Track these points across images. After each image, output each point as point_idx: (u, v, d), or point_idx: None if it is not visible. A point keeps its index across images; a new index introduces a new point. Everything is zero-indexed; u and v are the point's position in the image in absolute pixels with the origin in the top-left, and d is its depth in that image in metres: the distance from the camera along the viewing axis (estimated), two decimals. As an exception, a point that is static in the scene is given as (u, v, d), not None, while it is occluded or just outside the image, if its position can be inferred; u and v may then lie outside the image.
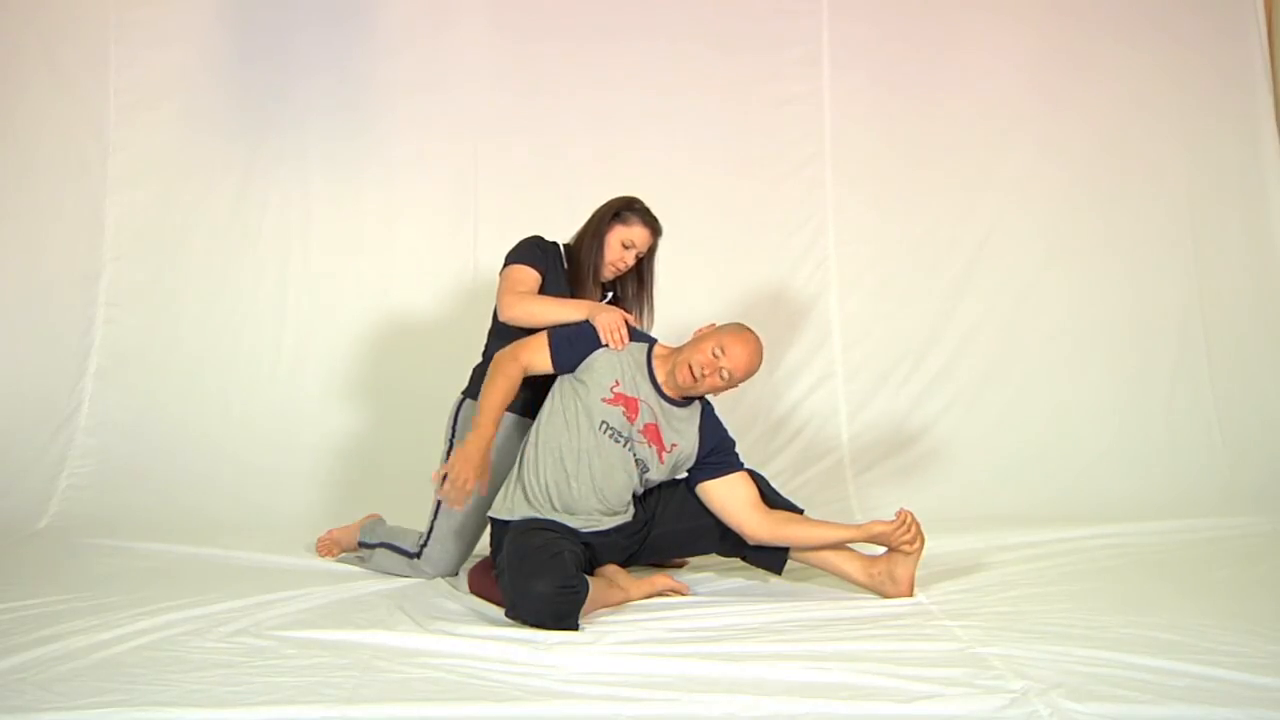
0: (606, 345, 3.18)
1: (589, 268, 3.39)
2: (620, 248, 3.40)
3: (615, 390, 3.15)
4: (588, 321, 3.22)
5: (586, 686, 2.45)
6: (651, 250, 3.49)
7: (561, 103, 4.56)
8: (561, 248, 3.46)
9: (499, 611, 2.98)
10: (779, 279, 4.59)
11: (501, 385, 3.15)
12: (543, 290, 3.35)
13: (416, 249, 4.51)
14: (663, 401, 3.19)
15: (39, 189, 4.42)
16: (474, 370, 3.47)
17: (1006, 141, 4.64)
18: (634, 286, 3.52)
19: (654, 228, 3.45)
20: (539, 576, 2.85)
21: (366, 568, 3.45)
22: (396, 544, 3.41)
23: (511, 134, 4.51)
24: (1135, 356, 4.57)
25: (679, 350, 3.20)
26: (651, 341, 3.27)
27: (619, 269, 3.42)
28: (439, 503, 3.34)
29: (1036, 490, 4.28)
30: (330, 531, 3.65)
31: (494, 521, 3.22)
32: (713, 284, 4.53)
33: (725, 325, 3.22)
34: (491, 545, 3.24)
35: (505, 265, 3.39)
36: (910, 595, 3.14)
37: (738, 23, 4.62)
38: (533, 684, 2.46)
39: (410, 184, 4.51)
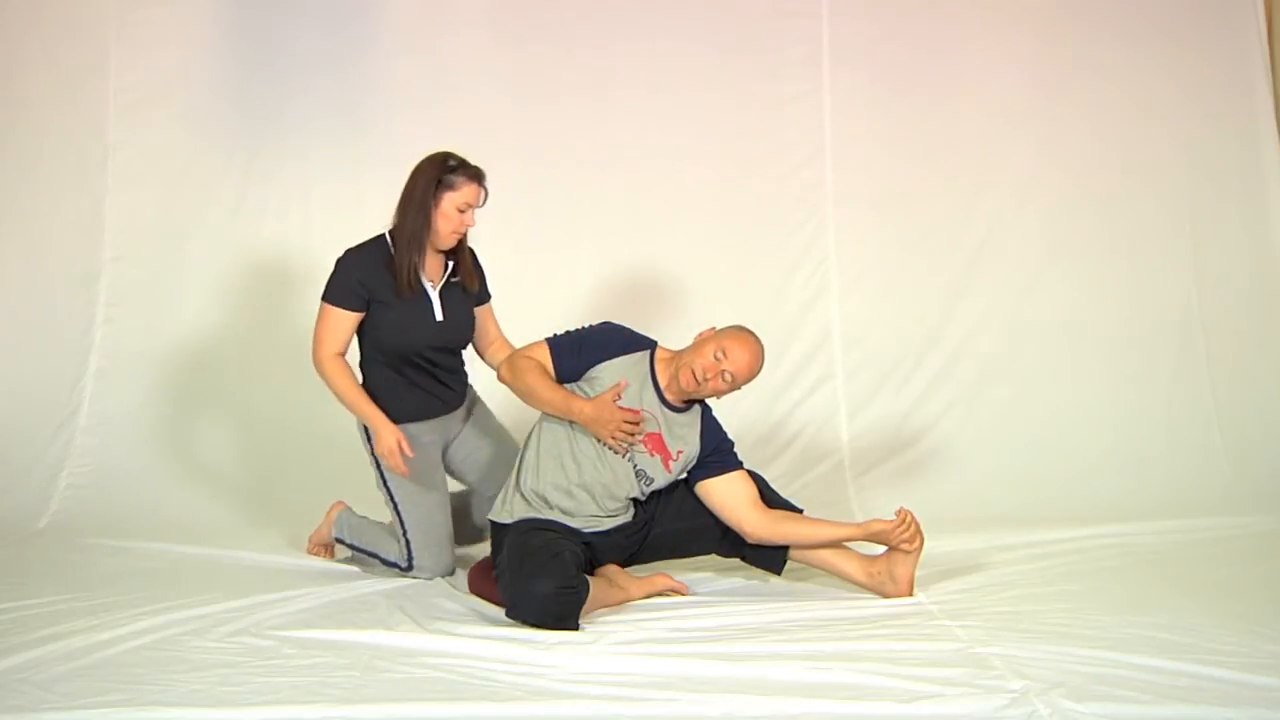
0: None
1: (418, 244, 3.24)
2: (457, 214, 3.23)
3: (618, 404, 3.14)
4: (590, 330, 3.22)
5: (586, 686, 2.45)
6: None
7: (561, 104, 4.56)
8: (388, 237, 3.31)
9: (499, 611, 2.98)
10: (779, 279, 4.58)
11: (539, 377, 3.12)
12: (373, 296, 3.25)
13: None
14: (665, 409, 3.18)
15: (40, 189, 4.42)
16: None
17: (1006, 141, 4.63)
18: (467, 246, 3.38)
19: (479, 180, 3.27)
20: (539, 577, 2.86)
21: (369, 573, 3.46)
22: (383, 556, 3.41)
23: (512, 135, 4.50)
24: (1135, 356, 4.57)
25: (680, 354, 3.19)
26: (652, 346, 3.26)
27: (460, 233, 3.28)
28: (402, 521, 3.35)
29: (1036, 490, 4.27)
30: (314, 534, 3.64)
31: (493, 524, 3.22)
32: (712, 284, 4.53)
33: (726, 328, 3.20)
34: (492, 546, 3.24)
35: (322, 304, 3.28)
36: (910, 595, 3.14)
37: (738, 23, 4.62)
38: (533, 684, 2.46)
39: (410, 184, 4.50)
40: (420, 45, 4.55)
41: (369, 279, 3.27)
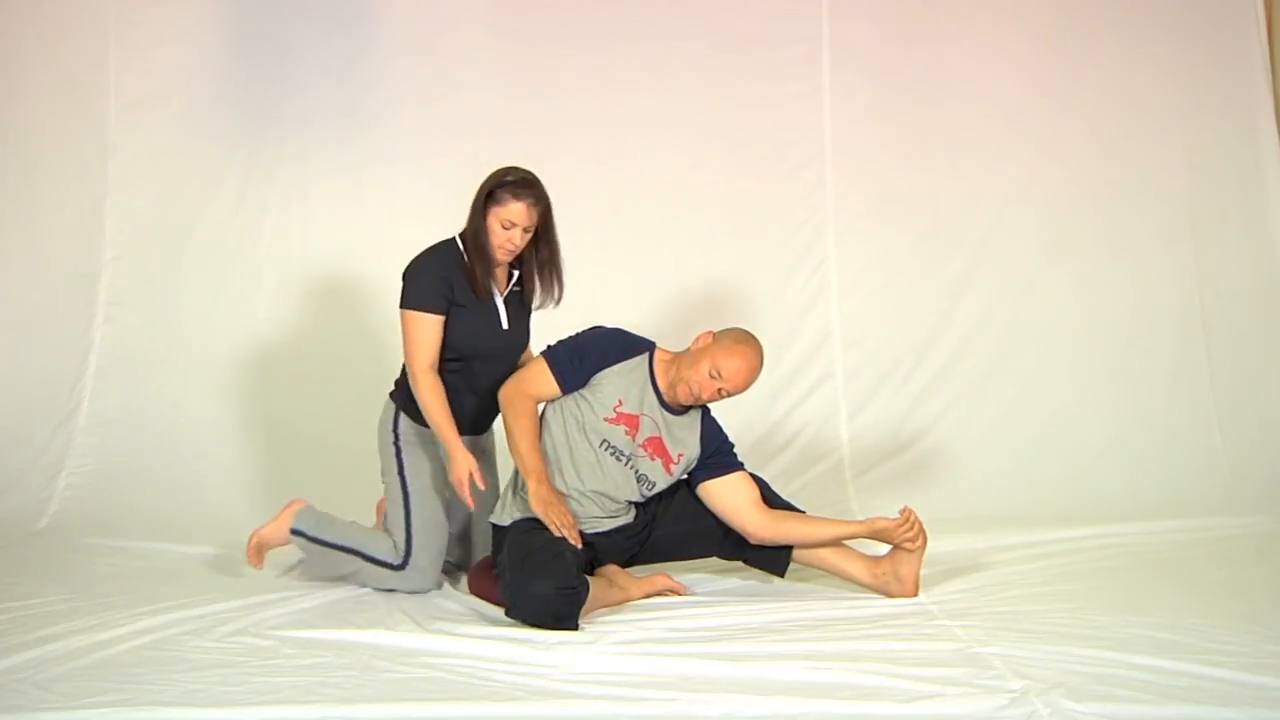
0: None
1: (480, 253, 3.19)
2: (501, 230, 3.16)
3: (618, 410, 3.14)
4: (587, 337, 3.20)
5: (586, 686, 2.46)
6: (546, 218, 3.23)
7: (561, 103, 4.56)
8: (458, 240, 3.27)
9: (499, 611, 2.99)
10: (779, 279, 4.58)
11: (526, 425, 3.12)
12: (454, 298, 3.20)
13: (417, 250, 4.49)
14: (665, 413, 3.18)
15: (40, 189, 4.42)
16: (399, 384, 3.34)
17: (1006, 141, 4.63)
18: (538, 260, 3.29)
19: (531, 198, 3.17)
20: (539, 577, 2.86)
21: (352, 580, 3.29)
22: (368, 553, 3.25)
23: (511, 135, 4.50)
24: (1135, 356, 4.57)
25: (678, 361, 3.18)
26: (650, 348, 3.25)
27: (510, 250, 3.20)
28: (409, 516, 3.24)
29: (1036, 490, 4.28)
30: (260, 533, 3.33)
31: (494, 525, 3.22)
32: (712, 284, 4.53)
33: (724, 334, 3.18)
34: (492, 547, 3.24)
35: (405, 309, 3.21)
36: (916, 594, 3.15)
37: (738, 23, 4.62)
38: (533, 684, 2.47)
39: (410, 185, 4.50)
40: (420, 45, 4.54)
41: (451, 278, 3.21)
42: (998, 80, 4.63)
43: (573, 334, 3.24)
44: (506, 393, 3.19)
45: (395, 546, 3.26)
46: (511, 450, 3.13)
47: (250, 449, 4.38)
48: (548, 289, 3.33)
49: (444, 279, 3.20)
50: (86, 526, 3.93)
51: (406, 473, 3.30)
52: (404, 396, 3.30)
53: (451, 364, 3.25)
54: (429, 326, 3.19)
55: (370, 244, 4.50)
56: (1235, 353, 4.58)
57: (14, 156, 4.40)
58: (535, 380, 3.17)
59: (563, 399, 3.17)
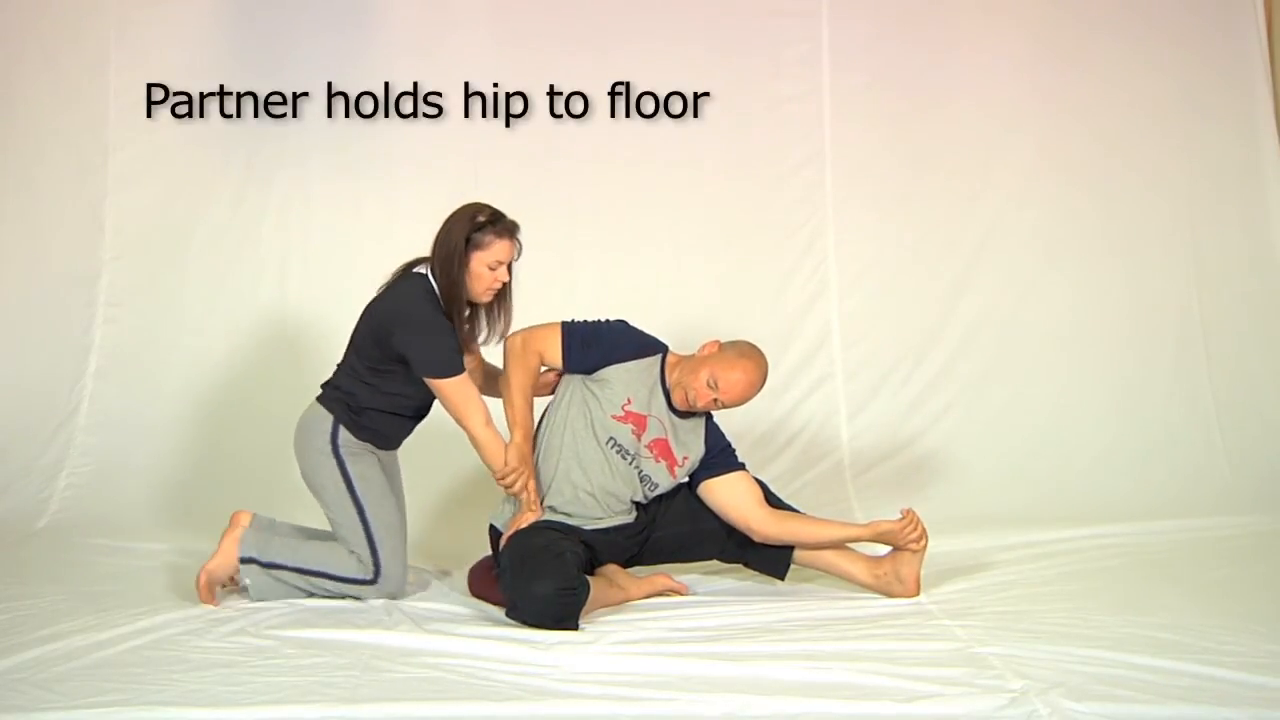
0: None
1: (458, 303, 3.11)
2: (488, 271, 3.09)
3: (626, 408, 3.15)
4: (606, 326, 3.20)
5: (586, 686, 2.46)
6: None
7: (560, 104, 4.56)
8: (432, 282, 3.15)
9: (499, 611, 2.99)
10: (778, 279, 4.58)
11: (523, 380, 3.14)
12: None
13: (416, 251, 4.49)
14: (672, 415, 3.19)
15: (40, 189, 4.42)
16: (337, 396, 3.21)
17: (1006, 141, 4.63)
18: (498, 293, 3.18)
19: (511, 234, 3.11)
20: (540, 577, 2.86)
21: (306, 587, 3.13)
22: (334, 573, 3.11)
23: (511, 136, 4.51)
24: (1135, 356, 4.57)
25: (684, 364, 3.19)
26: (664, 351, 3.25)
27: (494, 289, 3.13)
28: (368, 527, 3.11)
29: (1036, 490, 4.27)
30: (205, 568, 3.09)
31: (493, 527, 3.22)
32: (712, 284, 4.53)
33: (729, 346, 3.18)
34: (491, 547, 3.24)
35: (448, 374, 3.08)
36: (917, 594, 3.15)
37: (738, 23, 4.62)
38: (533, 684, 2.47)
39: (410, 187, 4.50)
40: (420, 45, 4.54)
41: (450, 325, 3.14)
42: (997, 81, 4.63)
43: (596, 319, 3.25)
44: (513, 343, 3.19)
45: (360, 561, 3.12)
46: (504, 399, 3.14)
47: (250, 449, 4.37)
48: (507, 321, 3.23)
49: (452, 330, 3.11)
50: (86, 526, 3.93)
51: (356, 485, 3.14)
52: (344, 409, 3.18)
53: (419, 399, 3.17)
54: (469, 384, 3.10)
55: (370, 244, 4.49)
56: (1235, 353, 4.59)
57: (14, 156, 4.40)
58: (545, 343, 3.18)
59: (571, 396, 3.17)
